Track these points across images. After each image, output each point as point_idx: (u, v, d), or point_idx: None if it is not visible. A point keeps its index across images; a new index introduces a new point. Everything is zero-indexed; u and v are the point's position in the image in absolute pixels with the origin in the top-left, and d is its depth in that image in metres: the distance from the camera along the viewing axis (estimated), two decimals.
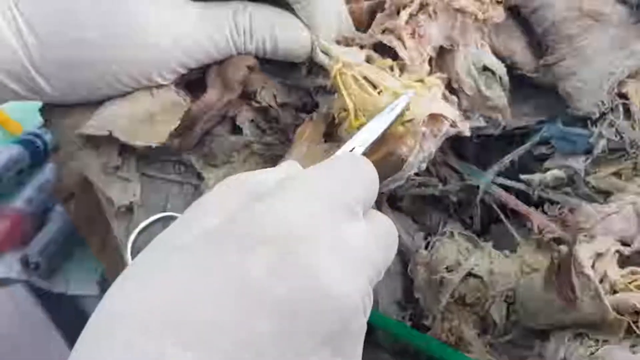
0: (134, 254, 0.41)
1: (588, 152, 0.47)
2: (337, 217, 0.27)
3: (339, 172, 0.29)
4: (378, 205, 0.49)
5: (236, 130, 0.47)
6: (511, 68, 0.50)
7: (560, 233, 0.44)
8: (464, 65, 0.48)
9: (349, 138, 0.36)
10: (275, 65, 0.47)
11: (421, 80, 0.44)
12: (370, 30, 0.48)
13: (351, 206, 0.28)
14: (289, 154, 0.43)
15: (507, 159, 0.49)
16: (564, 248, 0.40)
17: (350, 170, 0.30)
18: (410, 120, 0.40)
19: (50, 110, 0.47)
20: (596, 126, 0.47)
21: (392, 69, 0.44)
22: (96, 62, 0.42)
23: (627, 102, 0.48)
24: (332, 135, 0.44)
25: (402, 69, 0.45)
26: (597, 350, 0.37)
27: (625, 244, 0.41)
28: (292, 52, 0.46)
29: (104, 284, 0.52)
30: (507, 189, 0.48)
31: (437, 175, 0.51)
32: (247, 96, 0.47)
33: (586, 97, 0.48)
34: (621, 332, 0.37)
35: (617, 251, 0.40)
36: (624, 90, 0.48)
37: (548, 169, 0.48)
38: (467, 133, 0.44)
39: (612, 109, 0.47)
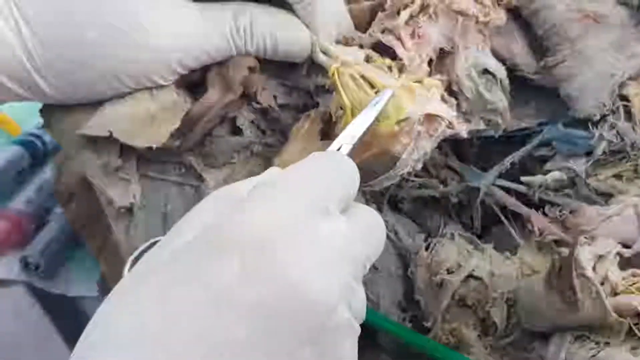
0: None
1: (589, 154, 0.47)
2: (311, 217, 0.27)
3: (312, 171, 0.29)
4: (379, 207, 0.49)
5: (236, 131, 0.47)
6: (512, 70, 0.50)
7: (561, 235, 0.44)
8: (464, 68, 0.48)
9: None
10: (275, 66, 0.47)
11: (420, 81, 0.44)
12: (370, 30, 0.47)
13: (326, 205, 0.27)
14: (284, 152, 0.43)
15: (507, 161, 0.49)
16: (564, 250, 0.40)
17: (325, 168, 0.30)
18: (405, 119, 0.40)
19: (51, 111, 0.46)
20: (597, 128, 0.47)
21: (390, 68, 0.44)
22: (96, 63, 0.42)
23: (628, 104, 0.48)
24: (329, 133, 0.44)
25: (401, 69, 0.45)
26: (598, 352, 0.37)
27: (626, 246, 0.41)
28: (293, 52, 0.46)
29: (104, 285, 0.51)
30: (507, 190, 0.48)
31: (437, 176, 0.51)
32: (247, 97, 0.47)
33: (587, 99, 0.48)
34: (622, 334, 0.37)
35: (618, 253, 0.40)
36: (624, 92, 0.48)
37: (549, 171, 0.48)
38: (465, 135, 0.44)
39: (613, 111, 0.47)
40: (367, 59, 0.45)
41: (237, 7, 0.45)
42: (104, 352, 0.24)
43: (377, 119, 0.38)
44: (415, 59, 0.45)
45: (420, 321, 0.46)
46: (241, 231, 0.25)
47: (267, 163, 0.47)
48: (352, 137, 0.35)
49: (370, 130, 0.37)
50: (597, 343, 0.38)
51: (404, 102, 0.40)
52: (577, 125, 0.48)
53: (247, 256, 0.25)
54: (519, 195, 0.48)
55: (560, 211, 0.46)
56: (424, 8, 0.47)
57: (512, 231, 0.47)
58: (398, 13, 0.47)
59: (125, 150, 0.45)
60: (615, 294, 0.38)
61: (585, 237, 0.41)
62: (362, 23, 0.49)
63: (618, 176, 0.47)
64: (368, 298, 0.38)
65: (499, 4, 0.50)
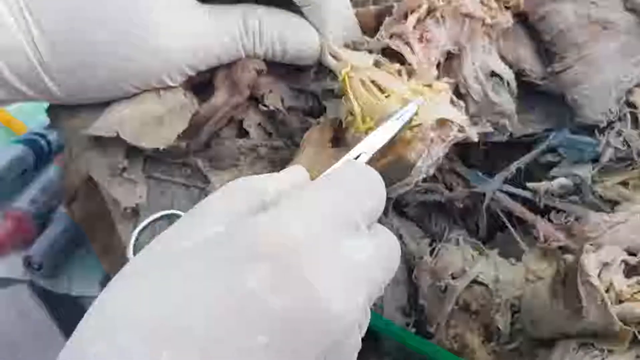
0: (137, 250, 0.41)
1: (595, 160, 0.47)
2: (339, 233, 0.27)
3: (344, 185, 0.29)
4: (384, 211, 0.49)
5: (243, 133, 0.47)
6: (519, 75, 0.50)
7: (566, 242, 0.44)
8: (472, 71, 0.48)
9: (356, 142, 0.36)
10: (283, 69, 0.47)
11: (429, 85, 0.44)
12: (377, 35, 0.47)
13: (355, 221, 0.28)
14: (296, 159, 0.43)
15: (513, 167, 0.49)
16: (570, 257, 0.40)
17: (356, 183, 0.30)
18: (418, 125, 0.40)
19: (57, 110, 0.46)
20: (604, 135, 0.47)
21: (400, 73, 0.44)
22: (105, 64, 0.42)
23: (635, 110, 0.47)
24: (340, 140, 0.44)
25: (410, 73, 0.45)
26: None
27: (631, 253, 0.41)
28: (301, 56, 0.46)
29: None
30: (513, 196, 0.48)
31: (443, 181, 0.51)
32: (254, 99, 0.47)
33: (594, 105, 0.48)
34: (627, 342, 0.37)
35: (624, 261, 0.40)
36: (632, 99, 0.48)
37: (555, 177, 0.48)
38: (475, 138, 0.44)
39: (620, 118, 0.47)
40: (376, 64, 0.45)
41: (246, 9, 0.45)
42: (119, 330, 0.23)
43: (400, 131, 0.38)
44: (424, 63, 0.45)
45: (424, 326, 0.46)
46: (269, 238, 0.25)
47: (273, 166, 0.47)
48: (372, 146, 0.35)
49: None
50: (601, 351, 0.38)
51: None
52: (584, 132, 0.48)
53: (276, 266, 0.24)
54: (525, 201, 0.48)
55: (565, 218, 0.46)
56: (431, 11, 0.47)
57: (517, 237, 0.47)
58: (405, 17, 0.47)
59: (132, 151, 0.45)
60: (620, 301, 0.38)
61: (591, 244, 0.41)
62: (369, 27, 0.49)
63: (624, 183, 0.47)
64: None
65: (506, 8, 0.50)
